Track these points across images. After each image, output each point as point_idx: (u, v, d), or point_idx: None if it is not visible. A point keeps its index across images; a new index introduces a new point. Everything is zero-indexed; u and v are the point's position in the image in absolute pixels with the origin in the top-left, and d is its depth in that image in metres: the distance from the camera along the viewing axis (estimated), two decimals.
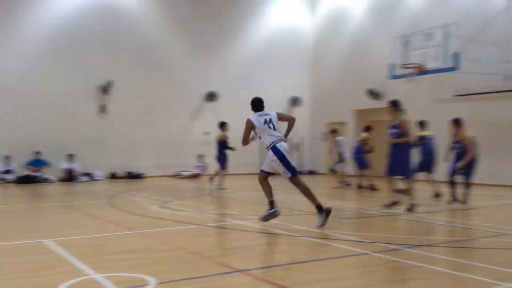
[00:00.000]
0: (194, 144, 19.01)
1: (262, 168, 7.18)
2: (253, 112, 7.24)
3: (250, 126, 7.06)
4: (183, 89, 19.49)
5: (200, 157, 18.50)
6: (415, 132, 10.50)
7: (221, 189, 12.84)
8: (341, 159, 14.25)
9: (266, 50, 21.28)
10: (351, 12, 20.65)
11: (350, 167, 14.79)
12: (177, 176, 18.67)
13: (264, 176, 7.11)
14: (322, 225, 6.88)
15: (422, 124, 11.41)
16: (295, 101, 21.72)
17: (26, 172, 16.07)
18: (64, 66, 17.33)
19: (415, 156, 11.09)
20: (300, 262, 5.08)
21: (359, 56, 20.02)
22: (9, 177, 15.84)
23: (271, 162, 7.00)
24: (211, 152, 13.71)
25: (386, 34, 18.02)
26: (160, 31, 19.26)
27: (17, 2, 16.77)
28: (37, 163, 16.50)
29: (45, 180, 16.08)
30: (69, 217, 8.60)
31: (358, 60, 20.03)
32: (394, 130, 8.85)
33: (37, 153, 16.52)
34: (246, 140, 7.17)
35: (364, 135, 13.53)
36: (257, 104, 7.27)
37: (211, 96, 19.67)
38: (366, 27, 19.90)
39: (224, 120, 13.36)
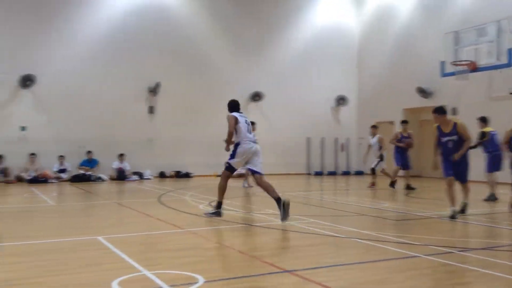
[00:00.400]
0: None
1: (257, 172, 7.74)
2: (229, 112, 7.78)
3: (234, 120, 7.52)
4: (228, 89, 19.61)
5: None
6: (471, 131, 9.99)
7: (249, 186, 13.38)
8: (381, 158, 13.98)
9: (311, 49, 21.13)
10: (398, 9, 20.18)
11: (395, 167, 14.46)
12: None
13: (259, 178, 7.71)
14: (211, 215, 7.76)
15: (484, 120, 10.67)
16: (341, 101, 21.47)
17: (80, 171, 16.71)
18: (115, 67, 17.90)
19: (480, 155, 10.60)
20: (347, 264, 5.03)
21: (407, 54, 19.54)
22: (64, 176, 16.56)
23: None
24: None
25: (435, 30, 17.51)
26: (205, 32, 19.53)
27: (71, 5, 17.46)
28: (90, 162, 17.13)
29: (98, 179, 16.68)
30: (121, 215, 8.90)
31: (406, 57, 19.55)
32: (450, 138, 8.05)
33: (89, 152, 17.15)
34: (232, 133, 7.55)
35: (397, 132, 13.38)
36: (234, 106, 7.89)
37: (256, 96, 19.75)
38: (414, 23, 19.39)
39: (260, 120, 13.54)
